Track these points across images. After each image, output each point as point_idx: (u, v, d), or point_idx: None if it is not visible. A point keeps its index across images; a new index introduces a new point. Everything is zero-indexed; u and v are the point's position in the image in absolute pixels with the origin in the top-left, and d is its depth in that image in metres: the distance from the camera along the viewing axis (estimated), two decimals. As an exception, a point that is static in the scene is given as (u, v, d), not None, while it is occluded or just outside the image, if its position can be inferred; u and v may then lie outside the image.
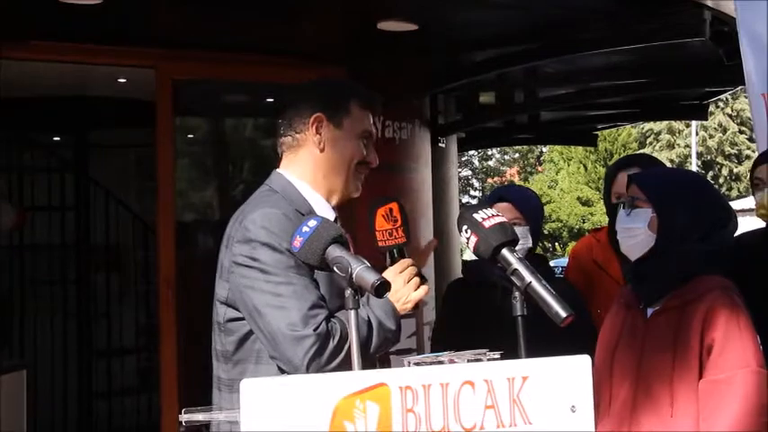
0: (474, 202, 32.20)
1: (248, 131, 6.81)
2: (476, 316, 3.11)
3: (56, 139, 8.01)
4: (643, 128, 34.98)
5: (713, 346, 2.36)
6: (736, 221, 2.61)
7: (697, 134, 33.56)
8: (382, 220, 2.34)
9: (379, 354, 2.28)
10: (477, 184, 38.79)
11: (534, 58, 5.90)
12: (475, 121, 7.95)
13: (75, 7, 4.59)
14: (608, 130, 27.48)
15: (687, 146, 34.69)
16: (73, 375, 7.30)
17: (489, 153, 37.74)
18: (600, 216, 29.42)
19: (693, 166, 31.70)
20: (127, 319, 7.53)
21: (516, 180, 35.06)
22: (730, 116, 35.08)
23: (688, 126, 33.82)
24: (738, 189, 33.09)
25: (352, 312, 1.82)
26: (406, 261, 2.33)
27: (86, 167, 7.66)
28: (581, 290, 3.48)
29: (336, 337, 2.15)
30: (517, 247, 1.94)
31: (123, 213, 7.54)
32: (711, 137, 35.19)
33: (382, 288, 1.83)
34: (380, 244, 2.35)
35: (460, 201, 13.25)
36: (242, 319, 2.26)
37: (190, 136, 6.54)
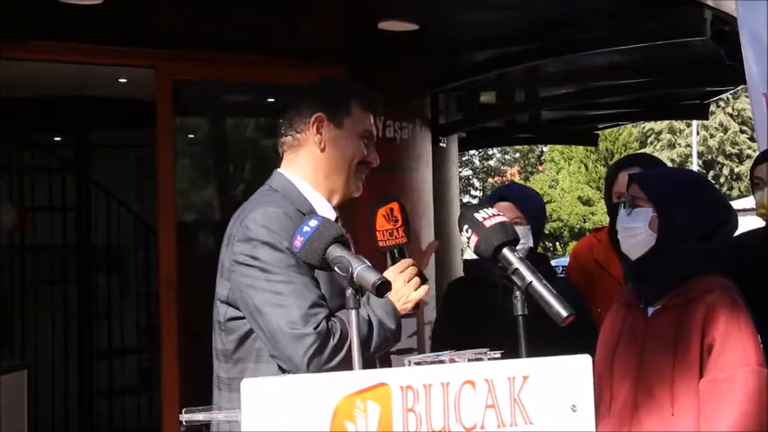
0: (475, 201, 32.21)
1: (248, 131, 6.81)
2: (476, 315, 3.11)
3: (56, 139, 8.02)
4: (644, 127, 34.99)
5: (714, 345, 2.36)
6: (736, 221, 2.61)
7: (698, 134, 33.56)
8: (383, 220, 2.34)
9: (379, 353, 2.28)
10: (477, 184, 38.79)
11: (535, 58, 5.90)
12: (476, 120, 7.95)
13: (76, 7, 4.59)
14: (609, 130, 27.46)
15: (688, 145, 34.69)
16: (74, 375, 7.30)
17: (490, 153, 37.74)
18: (601, 215, 29.42)
19: (694, 165, 31.69)
20: (128, 319, 7.53)
21: (517, 179, 35.01)
22: (731, 116, 35.08)
23: (689, 125, 33.82)
24: (739, 188, 33.08)
25: (353, 312, 1.82)
26: (407, 261, 2.33)
27: (87, 168, 7.67)
28: (582, 289, 3.49)
29: (336, 336, 2.15)
30: (518, 247, 1.94)
31: (124, 214, 7.54)
32: (712, 136, 35.19)
33: (383, 288, 1.83)
34: (381, 244, 2.35)
35: (461, 200, 13.25)
36: (242, 317, 2.26)
37: (190, 136, 6.54)
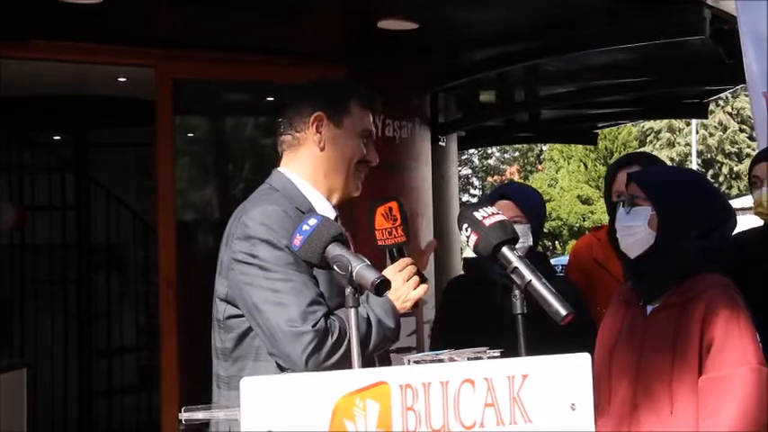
0: (474, 200, 32.20)
1: (248, 130, 6.81)
2: (476, 314, 3.11)
3: (56, 138, 8.01)
4: (643, 126, 34.97)
5: (713, 343, 2.36)
6: (735, 220, 2.62)
7: (697, 132, 33.53)
8: (382, 219, 2.34)
9: (378, 352, 2.28)
10: (477, 183, 38.78)
11: (534, 57, 5.90)
12: (475, 119, 7.94)
13: (76, 6, 4.59)
14: (608, 129, 27.48)
15: (687, 144, 34.67)
16: (73, 374, 7.30)
17: (489, 152, 37.72)
18: (600, 214, 29.42)
19: (694, 164, 31.68)
20: (127, 318, 7.54)
21: (516, 178, 34.98)
22: (730, 114, 35.06)
23: (688, 124, 33.80)
24: (739, 187, 33.05)
25: (352, 310, 1.82)
26: (406, 260, 2.33)
27: (86, 167, 7.67)
28: (581, 288, 3.49)
29: (335, 334, 2.15)
30: (517, 246, 1.94)
31: (123, 213, 7.54)
32: (712, 135, 35.17)
33: (382, 286, 1.83)
34: (380, 243, 2.35)
35: (460, 199, 13.24)
36: (241, 316, 2.26)
37: (190, 135, 6.53)
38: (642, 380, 2.46)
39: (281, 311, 2.15)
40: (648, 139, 36.13)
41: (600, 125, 10.59)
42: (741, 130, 34.84)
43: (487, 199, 3.56)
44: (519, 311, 1.84)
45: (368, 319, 2.22)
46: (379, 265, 1.96)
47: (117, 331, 7.49)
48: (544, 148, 36.66)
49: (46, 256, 7.38)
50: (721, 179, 34.56)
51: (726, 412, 2.30)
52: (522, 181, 32.75)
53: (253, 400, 1.42)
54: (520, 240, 2.13)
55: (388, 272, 2.28)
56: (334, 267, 1.89)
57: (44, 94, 6.84)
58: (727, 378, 2.32)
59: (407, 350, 4.30)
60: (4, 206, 6.77)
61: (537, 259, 3.03)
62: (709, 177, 29.78)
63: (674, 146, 35.63)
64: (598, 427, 1.68)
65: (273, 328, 2.16)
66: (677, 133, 35.85)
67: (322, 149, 2.39)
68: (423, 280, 2.34)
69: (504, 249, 1.90)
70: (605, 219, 3.94)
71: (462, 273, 3.61)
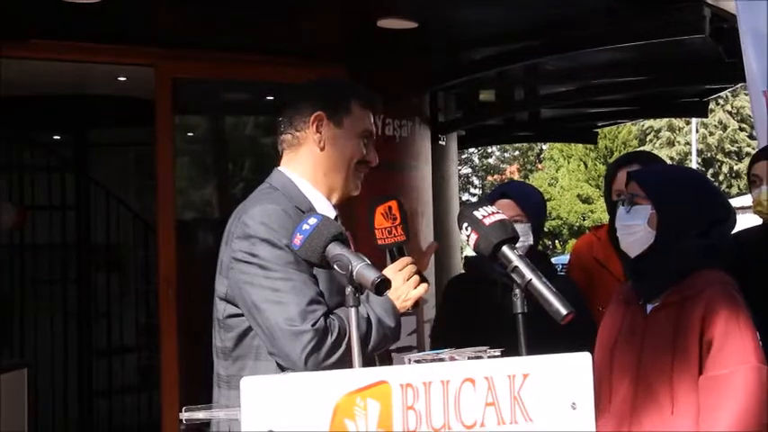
0: (474, 199, 32.19)
1: (248, 130, 6.82)
2: (476, 313, 3.11)
3: (56, 137, 8.01)
4: (643, 125, 34.96)
5: (713, 342, 2.36)
6: (734, 218, 2.62)
7: (697, 131, 33.53)
8: (381, 218, 2.34)
9: (378, 351, 2.28)
10: (477, 182, 38.76)
11: (534, 56, 5.89)
12: (475, 118, 7.95)
13: (76, 6, 4.59)
14: (608, 128, 27.48)
15: (687, 143, 34.66)
16: (73, 374, 7.30)
17: (489, 151, 37.70)
18: (600, 213, 29.41)
19: (693, 163, 31.67)
20: (127, 318, 7.53)
21: (516, 177, 34.95)
22: (730, 113, 35.04)
23: (688, 123, 33.79)
24: (738, 186, 33.04)
25: (353, 310, 1.82)
26: (406, 259, 2.33)
27: (86, 166, 7.66)
28: (582, 287, 3.49)
29: (335, 333, 2.15)
30: (518, 245, 1.94)
31: (123, 212, 7.54)
32: (711, 134, 35.16)
33: (382, 285, 1.83)
34: (380, 242, 2.35)
35: (460, 198, 13.25)
36: (241, 315, 2.26)
37: (190, 134, 6.54)
38: (642, 379, 2.46)
39: (280, 310, 2.15)
40: (648, 137, 36.11)
41: (600, 124, 10.59)
42: (741, 129, 34.82)
43: (488, 198, 3.56)
44: (519, 310, 1.84)
45: (368, 319, 2.22)
46: (379, 264, 1.96)
47: (117, 331, 7.49)
48: (544, 147, 36.65)
49: (46, 256, 7.38)
50: (721, 178, 34.56)
51: (726, 411, 2.30)
52: (522, 180, 32.73)
53: (253, 400, 1.42)
54: (520, 239, 2.13)
55: (389, 271, 2.28)
56: (335, 267, 1.89)
57: (44, 94, 6.84)
58: (727, 377, 2.32)
59: (408, 349, 4.30)
60: (4, 206, 6.77)
61: (537, 258, 3.03)
62: (709, 176, 29.82)
63: (674, 145, 35.62)
64: (599, 426, 1.68)
65: (273, 327, 2.16)
66: (677, 132, 35.84)
67: (322, 149, 2.39)
68: (423, 279, 2.34)
69: (505, 248, 1.90)
70: (605, 218, 3.93)
71: (463, 272, 3.61)
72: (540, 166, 38.70)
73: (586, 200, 32.85)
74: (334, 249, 1.90)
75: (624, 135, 33.21)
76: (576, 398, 1.63)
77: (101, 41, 5.20)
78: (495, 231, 1.91)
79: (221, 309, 2.32)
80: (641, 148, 28.49)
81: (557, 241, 33.16)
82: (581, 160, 34.20)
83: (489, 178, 38.13)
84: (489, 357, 1.69)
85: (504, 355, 1.69)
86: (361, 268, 1.84)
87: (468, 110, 7.63)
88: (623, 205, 2.61)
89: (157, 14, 4.99)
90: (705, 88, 7.93)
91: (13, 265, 7.24)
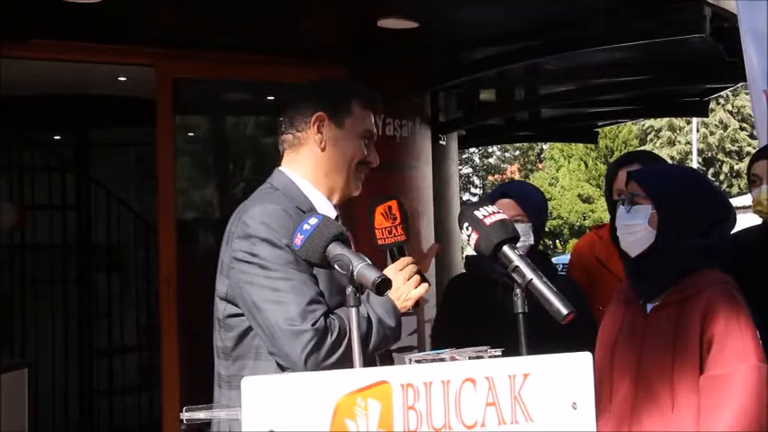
0: (475, 199, 32.19)
1: (249, 130, 6.81)
2: (477, 313, 3.11)
3: (56, 137, 8.01)
4: (644, 125, 34.96)
5: (713, 341, 2.36)
6: (734, 218, 2.62)
7: (698, 131, 33.53)
8: (381, 218, 2.34)
9: (378, 351, 2.28)
10: (477, 182, 38.77)
11: (534, 56, 5.89)
12: (475, 118, 7.94)
13: (76, 6, 4.59)
14: (609, 127, 27.47)
15: (688, 143, 34.66)
16: (74, 374, 7.30)
17: (490, 150, 37.71)
18: (601, 213, 29.40)
19: (694, 163, 31.66)
20: (128, 318, 7.54)
21: (517, 177, 34.96)
22: (731, 113, 35.04)
23: (689, 123, 33.80)
24: (739, 186, 33.03)
25: (353, 310, 1.82)
26: (406, 259, 2.33)
27: (87, 166, 7.67)
28: (583, 287, 3.49)
29: (335, 333, 2.15)
30: (518, 244, 1.94)
31: (124, 212, 7.55)
32: (712, 134, 35.15)
33: (383, 285, 1.83)
34: (380, 242, 2.35)
35: (461, 198, 13.24)
36: (241, 315, 2.26)
37: (190, 134, 6.54)
38: (643, 378, 2.46)
39: (280, 310, 2.15)
40: (649, 137, 36.12)
41: (600, 124, 10.59)
42: (741, 129, 34.82)
43: (488, 198, 3.56)
44: (520, 310, 1.84)
45: (368, 319, 2.22)
46: (379, 264, 1.96)
47: (118, 331, 7.49)
48: (544, 146, 36.66)
49: (46, 256, 7.38)
50: (722, 177, 34.56)
51: (727, 410, 2.30)
52: (522, 179, 32.72)
53: (254, 400, 1.42)
54: (521, 239, 2.12)
55: (389, 271, 2.28)
56: (335, 267, 1.89)
57: (44, 94, 6.84)
58: (727, 376, 2.33)
59: (409, 349, 4.30)
60: (5, 206, 6.77)
61: (538, 258, 3.04)
62: (709, 176, 29.84)
63: (675, 144, 35.62)
64: (599, 426, 1.68)
65: (273, 327, 2.16)
66: (678, 132, 35.84)
67: (323, 149, 2.39)
68: (423, 279, 2.34)
69: (505, 248, 1.90)
70: (606, 217, 3.93)
71: (463, 271, 3.61)
72: (540, 165, 38.70)
73: (587, 199, 32.85)
74: (335, 249, 1.90)
75: (625, 134, 33.21)
76: (576, 398, 1.63)
77: (101, 41, 5.20)
78: (496, 231, 1.91)
79: (222, 308, 2.32)
80: (642, 148, 28.49)
81: (557, 241, 33.16)
82: (581, 160, 34.21)
83: (490, 178, 38.13)
84: (490, 357, 1.69)
85: (504, 354, 1.69)
86: (362, 268, 1.84)
87: (469, 110, 7.63)
88: (623, 205, 2.61)
89: (158, 14, 4.99)
90: (706, 87, 7.92)
91: (13, 265, 7.24)
